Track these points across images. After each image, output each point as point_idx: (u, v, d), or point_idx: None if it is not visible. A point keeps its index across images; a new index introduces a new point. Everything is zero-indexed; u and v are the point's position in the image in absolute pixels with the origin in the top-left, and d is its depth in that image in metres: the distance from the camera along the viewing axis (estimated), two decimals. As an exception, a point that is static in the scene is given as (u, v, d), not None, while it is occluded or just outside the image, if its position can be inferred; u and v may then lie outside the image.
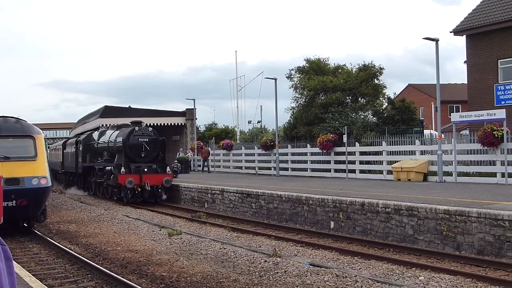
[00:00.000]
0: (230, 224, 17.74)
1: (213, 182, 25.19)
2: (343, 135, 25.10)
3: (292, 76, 34.72)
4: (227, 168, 37.69)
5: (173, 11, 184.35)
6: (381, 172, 24.17)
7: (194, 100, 41.01)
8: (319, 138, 27.00)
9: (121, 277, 10.15)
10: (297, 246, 13.55)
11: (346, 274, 9.77)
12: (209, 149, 38.15)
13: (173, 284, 9.84)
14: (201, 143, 40.91)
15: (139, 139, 25.16)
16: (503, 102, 24.32)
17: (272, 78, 30.93)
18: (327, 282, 9.36)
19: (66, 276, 10.76)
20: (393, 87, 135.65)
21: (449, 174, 20.92)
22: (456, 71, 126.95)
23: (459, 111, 38.31)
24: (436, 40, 21.58)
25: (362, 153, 25.42)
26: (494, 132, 19.07)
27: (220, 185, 22.97)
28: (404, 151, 23.53)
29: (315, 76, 32.63)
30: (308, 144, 28.92)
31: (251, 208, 19.71)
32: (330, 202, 15.95)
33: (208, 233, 15.89)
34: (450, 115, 31.44)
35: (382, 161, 24.22)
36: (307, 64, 34.41)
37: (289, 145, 30.81)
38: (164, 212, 22.06)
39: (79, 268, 11.43)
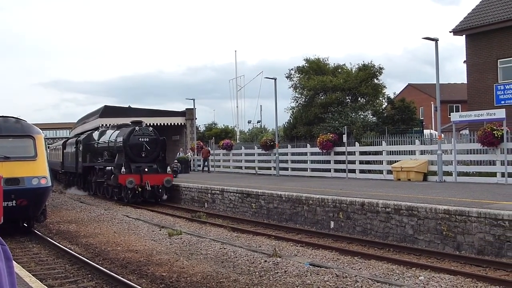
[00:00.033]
0: (230, 224, 17.74)
1: (213, 182, 25.19)
2: (343, 135, 25.10)
3: (292, 76, 34.73)
4: (227, 168, 37.69)
5: (173, 11, 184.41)
6: (381, 172, 24.17)
7: (193, 100, 41.05)
8: (319, 138, 27.00)
9: (121, 277, 10.15)
10: (297, 246, 13.55)
11: (346, 274, 9.77)
12: (209, 149, 38.16)
13: (173, 284, 9.84)
14: (201, 143, 40.91)
15: (140, 139, 25.13)
16: (502, 102, 24.32)
17: (271, 78, 30.94)
18: (327, 282, 9.36)
19: (66, 276, 10.76)
20: (392, 87, 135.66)
21: (449, 174, 20.92)
22: (455, 71, 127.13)
23: (458, 111, 38.32)
24: (436, 40, 21.58)
25: (362, 153, 25.42)
26: (494, 132, 19.07)
27: (220, 185, 22.96)
28: (404, 151, 23.54)
29: (315, 76, 32.62)
30: (308, 144, 28.92)
31: (251, 208, 19.71)
32: (330, 202, 15.95)
33: (208, 233, 15.89)
34: (449, 115, 31.46)
35: (382, 161, 24.22)
36: (306, 64, 34.40)
37: (289, 145, 30.81)
38: (164, 212, 22.05)
39: (79, 268, 11.43)
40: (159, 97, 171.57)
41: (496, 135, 19.05)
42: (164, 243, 14.04)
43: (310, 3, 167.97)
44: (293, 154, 30.16)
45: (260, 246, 13.50)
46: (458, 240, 12.05)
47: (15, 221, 15.98)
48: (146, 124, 27.01)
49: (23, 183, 14.85)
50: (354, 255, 12.12)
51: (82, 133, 38.21)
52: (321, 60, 34.95)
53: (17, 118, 16.63)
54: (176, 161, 34.76)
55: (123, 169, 24.33)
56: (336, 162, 26.86)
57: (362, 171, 25.22)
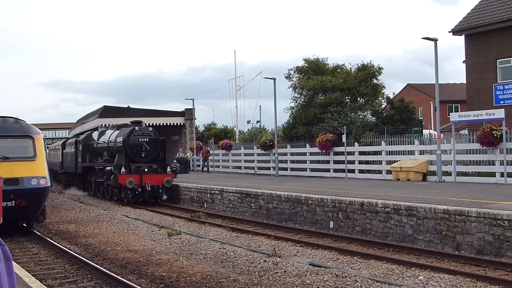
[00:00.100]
0: (230, 224, 17.73)
1: (212, 182, 25.19)
2: (342, 135, 25.10)
3: (291, 76, 34.71)
4: (226, 168, 37.69)
5: (172, 11, 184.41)
6: (380, 172, 24.17)
7: (193, 100, 41.02)
8: (318, 138, 27.01)
9: (121, 277, 10.14)
10: (296, 246, 13.55)
11: (346, 274, 9.77)
12: (209, 148, 38.18)
13: (173, 284, 9.84)
14: (200, 143, 40.91)
15: (139, 139, 25.09)
16: (502, 102, 24.33)
17: (271, 78, 30.94)
18: (327, 282, 9.36)
19: (65, 276, 10.75)
20: (392, 87, 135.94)
21: (448, 174, 20.92)
22: (455, 71, 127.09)
23: (458, 111, 38.34)
24: (435, 40, 21.59)
25: (361, 153, 25.43)
26: (493, 132, 19.08)
27: (220, 185, 22.96)
28: (403, 151, 23.54)
29: (314, 76, 32.61)
30: (307, 144, 28.93)
31: (251, 208, 19.71)
32: (329, 202, 15.95)
33: (208, 233, 15.89)
34: (449, 115, 31.50)
35: (381, 161, 24.23)
36: (306, 64, 34.38)
37: (288, 145, 30.81)
38: (164, 212, 22.05)
39: (79, 268, 11.42)
40: (159, 97, 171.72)
41: (495, 135, 19.06)
42: (163, 243, 14.04)
43: (309, 3, 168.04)
44: (292, 154, 30.16)
45: (260, 246, 13.50)
46: (458, 240, 12.05)
47: (15, 221, 15.98)
48: (145, 124, 27.01)
49: (22, 183, 14.84)
50: (353, 255, 12.12)
51: (81, 133, 38.19)
52: (321, 60, 34.95)
53: (16, 118, 16.62)
54: (175, 161, 34.75)
55: (123, 169, 24.30)
56: (335, 162, 26.87)
57: (361, 171, 25.22)
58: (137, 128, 25.42)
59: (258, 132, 52.89)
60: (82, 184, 32.08)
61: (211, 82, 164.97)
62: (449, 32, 26.95)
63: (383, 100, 32.72)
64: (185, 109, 43.04)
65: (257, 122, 60.54)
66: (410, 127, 27.62)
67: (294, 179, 26.34)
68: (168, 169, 25.99)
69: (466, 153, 21.24)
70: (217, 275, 10.26)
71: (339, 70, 34.39)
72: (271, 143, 31.30)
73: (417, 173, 21.54)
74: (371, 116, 30.55)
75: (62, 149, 36.91)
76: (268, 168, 32.02)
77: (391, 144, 24.16)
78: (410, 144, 23.35)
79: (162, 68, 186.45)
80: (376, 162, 24.72)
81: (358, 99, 32.25)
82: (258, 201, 19.34)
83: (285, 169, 30.12)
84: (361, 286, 9.05)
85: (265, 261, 11.26)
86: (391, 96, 33.58)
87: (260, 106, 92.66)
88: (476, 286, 9.20)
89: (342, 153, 25.82)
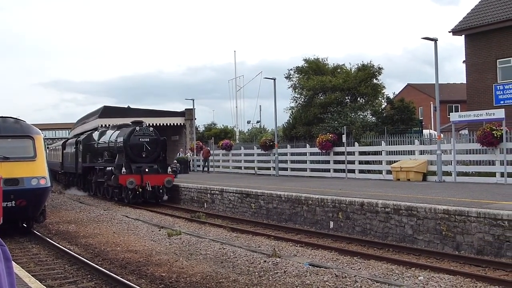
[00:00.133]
0: (230, 224, 17.73)
1: (212, 182, 25.19)
2: (342, 135, 25.10)
3: (291, 76, 34.71)
4: (226, 168, 37.69)
5: (172, 11, 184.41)
6: (380, 172, 24.17)
7: (193, 100, 41.07)
8: (318, 138, 27.01)
9: (121, 277, 10.14)
10: (296, 246, 13.55)
11: (346, 274, 9.77)
12: (209, 148, 38.19)
13: (173, 284, 9.84)
14: (200, 143, 40.93)
15: (140, 139, 25.05)
16: (502, 102, 24.34)
17: (271, 78, 30.96)
18: (327, 282, 9.36)
19: (65, 277, 10.75)
20: (392, 87, 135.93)
21: (448, 174, 20.93)
22: (455, 71, 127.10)
23: (458, 111, 38.34)
24: (435, 40, 21.59)
25: (361, 153, 25.43)
26: (493, 132, 19.09)
27: (220, 185, 22.96)
28: (403, 151, 23.55)
29: (314, 76, 32.61)
30: (307, 144, 28.93)
31: (251, 208, 19.71)
32: (329, 202, 15.95)
33: (208, 233, 15.89)
34: (449, 115, 31.50)
35: (382, 161, 24.23)
36: (306, 64, 34.39)
37: (288, 145, 30.81)
38: (164, 212, 22.04)
39: (79, 269, 11.42)
40: (159, 97, 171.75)
41: (495, 135, 19.06)
42: (163, 243, 14.04)
43: (309, 3, 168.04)
44: (292, 154, 30.17)
45: (260, 246, 13.50)
46: (458, 240, 12.05)
47: (15, 221, 15.97)
48: (146, 124, 26.99)
49: (22, 184, 14.84)
50: (353, 255, 12.12)
51: (81, 133, 38.17)
52: (321, 60, 34.95)
53: (16, 118, 16.63)
54: (175, 161, 34.76)
55: (123, 170, 24.27)
56: (336, 162, 26.87)
57: (361, 171, 25.23)
58: (137, 128, 25.39)
59: (258, 132, 52.89)
60: (83, 185, 32.06)
61: (211, 82, 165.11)
62: (449, 32, 26.97)
63: (383, 100, 32.73)
64: (185, 109, 43.05)
65: (257, 122, 60.59)
66: (410, 127, 27.62)
67: (294, 179, 26.34)
68: (169, 169, 25.97)
69: (466, 153, 21.24)
70: (217, 276, 10.26)
71: (339, 70, 34.38)
72: (271, 143, 31.30)
73: (417, 173, 21.54)
74: (371, 116, 30.55)
75: (62, 149, 36.90)
76: (268, 168, 32.03)
77: (391, 144, 24.16)
78: (410, 144, 23.36)
79: (162, 68, 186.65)
80: (376, 162, 24.72)
81: (358, 99, 32.25)
82: (258, 201, 19.34)
83: (285, 169, 30.12)
84: (361, 287, 9.05)
85: (265, 261, 11.26)
86: (391, 96, 33.61)
87: (260, 106, 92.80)
88: (476, 286, 9.20)
89: (342, 153, 25.82)
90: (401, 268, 10.64)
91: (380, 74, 32.39)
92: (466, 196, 14.74)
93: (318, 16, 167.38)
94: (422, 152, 22.72)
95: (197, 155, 40.07)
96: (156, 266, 11.30)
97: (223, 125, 55.03)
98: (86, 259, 11.97)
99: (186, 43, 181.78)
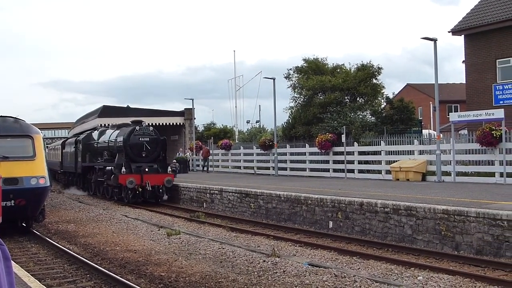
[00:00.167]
0: (229, 224, 17.74)
1: (211, 182, 25.19)
2: (342, 135, 25.11)
3: (291, 75, 34.71)
4: (226, 168, 37.71)
5: (172, 11, 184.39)
6: (379, 172, 24.18)
7: (192, 100, 41.05)
8: (317, 138, 27.02)
9: (120, 277, 10.14)
10: (295, 246, 13.55)
11: (345, 274, 9.77)
12: (208, 148, 38.20)
13: (172, 284, 9.84)
14: (200, 143, 40.93)
15: (140, 139, 25.01)
16: (501, 102, 24.35)
17: (270, 78, 30.98)
18: (326, 282, 9.36)
19: (64, 276, 10.75)
20: (391, 87, 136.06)
21: (447, 174, 20.94)
22: (454, 71, 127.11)
23: (457, 111, 38.35)
24: (435, 40, 21.60)
25: (360, 153, 25.44)
26: (492, 132, 19.10)
27: (219, 185, 22.97)
28: (403, 150, 23.56)
29: (314, 76, 32.61)
30: (306, 144, 28.94)
31: (250, 208, 19.71)
32: (328, 202, 15.96)
33: (207, 233, 15.89)
34: (448, 115, 31.48)
35: (381, 161, 24.25)
36: (305, 64, 34.38)
37: (287, 145, 30.82)
38: (163, 212, 22.04)
39: (78, 268, 11.42)
40: (158, 97, 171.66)
41: (494, 135, 19.07)
42: (162, 243, 14.04)
43: (309, 3, 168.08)
44: (291, 154, 30.18)
45: (259, 246, 13.50)
46: (457, 240, 12.06)
47: (14, 221, 15.97)
48: (146, 123, 26.97)
49: (21, 183, 14.84)
50: (352, 255, 12.13)
51: (81, 132, 38.15)
52: (320, 60, 34.95)
53: (15, 118, 16.62)
54: (174, 161, 34.75)
55: (123, 169, 24.24)
56: (335, 162, 26.88)
57: (360, 171, 25.24)
58: (137, 127, 25.34)
59: (257, 132, 52.86)
60: (82, 184, 32.04)
61: (211, 82, 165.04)
62: (449, 32, 26.98)
63: (382, 100, 32.73)
64: (185, 109, 43.04)
65: (256, 122, 60.54)
66: (410, 127, 27.64)
67: (293, 179, 26.35)
68: (169, 169, 25.96)
69: (466, 153, 21.25)
70: (216, 275, 10.26)
71: (338, 70, 34.38)
72: (270, 143, 31.31)
73: (417, 173, 21.55)
74: (370, 116, 30.56)
75: (62, 148, 36.88)
76: (268, 168, 32.03)
77: (391, 144, 24.18)
78: (410, 144, 23.37)
79: (161, 68, 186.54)
80: (376, 162, 24.73)
81: (358, 99, 32.26)
82: (257, 201, 19.34)
83: (285, 169, 30.13)
84: (360, 286, 9.05)
85: (264, 261, 11.26)
86: (391, 96, 33.59)
87: (259, 106, 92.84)
88: (475, 286, 9.20)
89: (341, 153, 25.82)
90: (400, 268, 10.65)
91: (379, 74, 32.43)
92: (465, 196, 14.74)
93: (317, 16, 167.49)
94: (421, 152, 22.74)
95: (196, 155, 40.07)
96: (155, 266, 11.30)
97: (222, 125, 55.05)
98: (85, 259, 11.97)
99: (185, 43, 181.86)
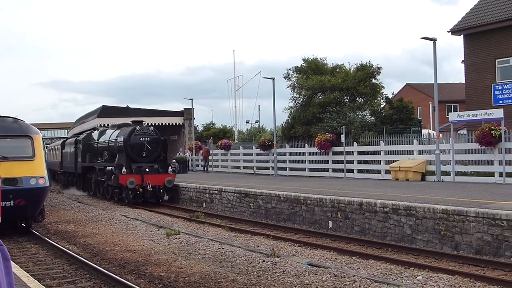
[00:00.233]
0: (228, 224, 17.74)
1: (211, 182, 25.19)
2: (341, 135, 25.12)
3: (290, 75, 34.68)
4: (225, 168, 37.71)
5: (171, 11, 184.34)
6: (379, 171, 24.19)
7: (192, 100, 41.06)
8: (317, 138, 27.02)
9: (119, 277, 10.14)
10: (295, 246, 13.55)
11: (344, 274, 9.77)
12: (208, 148, 38.21)
13: (171, 284, 9.84)
14: (199, 143, 40.93)
15: (141, 139, 24.94)
16: (500, 102, 24.36)
17: (270, 78, 30.99)
18: (325, 282, 9.37)
19: (64, 276, 10.75)
20: (391, 87, 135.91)
21: (447, 173, 20.95)
22: (453, 70, 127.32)
23: (457, 111, 38.36)
24: (434, 40, 21.61)
25: (360, 153, 25.45)
26: (492, 132, 19.11)
27: (218, 185, 22.97)
28: (402, 150, 23.57)
29: (313, 76, 32.60)
30: (306, 144, 28.94)
31: (249, 208, 19.71)
32: (328, 202, 15.96)
33: (206, 233, 15.89)
34: (448, 115, 31.52)
35: (380, 160, 24.25)
36: (305, 64, 34.36)
37: (287, 145, 30.82)
38: (162, 212, 22.04)
39: (77, 268, 11.42)
40: (158, 97, 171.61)
41: (494, 135, 19.08)
42: (162, 243, 14.04)
43: (308, 3, 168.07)
44: (291, 154, 30.17)
45: (258, 246, 13.50)
46: (456, 240, 12.06)
47: (13, 221, 15.97)
48: (146, 123, 26.95)
49: (21, 183, 14.83)
50: (352, 255, 12.13)
51: (81, 133, 38.13)
52: (319, 60, 34.92)
53: (15, 118, 16.62)
54: (174, 161, 34.75)
55: (124, 169, 24.19)
56: (334, 162, 26.88)
57: (360, 171, 25.24)
58: (138, 127, 25.26)
59: (257, 132, 52.80)
60: (82, 184, 32.01)
61: (210, 82, 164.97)
62: (448, 32, 26.99)
63: (382, 100, 32.71)
64: (184, 109, 43.05)
65: (256, 122, 60.47)
66: (409, 127, 27.64)
67: (293, 179, 26.35)
68: (170, 168, 25.93)
69: (465, 153, 21.26)
70: (216, 275, 10.26)
71: (338, 70, 34.36)
72: (270, 143, 31.32)
73: (416, 173, 21.56)
74: (370, 116, 30.55)
75: (62, 148, 36.85)
76: (267, 168, 32.03)
77: (390, 144, 24.18)
78: (409, 144, 23.38)
79: (161, 68, 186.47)
80: (375, 162, 24.74)
81: (357, 99, 32.25)
82: (257, 201, 19.34)
83: (284, 169, 30.13)
84: (359, 286, 9.06)
85: (263, 261, 11.26)
86: (390, 96, 33.56)
87: (259, 106, 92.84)
88: (474, 286, 9.21)
89: (341, 153, 25.82)
90: (400, 267, 10.65)
91: (379, 74, 32.41)
92: (464, 196, 14.75)
93: (316, 16, 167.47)
94: (420, 152, 22.75)
95: (196, 155, 40.06)
96: (154, 266, 11.30)
97: (222, 124, 54.99)
98: (85, 259, 11.96)
99: (185, 43, 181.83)
